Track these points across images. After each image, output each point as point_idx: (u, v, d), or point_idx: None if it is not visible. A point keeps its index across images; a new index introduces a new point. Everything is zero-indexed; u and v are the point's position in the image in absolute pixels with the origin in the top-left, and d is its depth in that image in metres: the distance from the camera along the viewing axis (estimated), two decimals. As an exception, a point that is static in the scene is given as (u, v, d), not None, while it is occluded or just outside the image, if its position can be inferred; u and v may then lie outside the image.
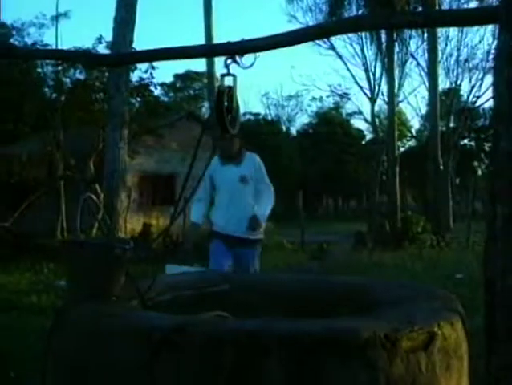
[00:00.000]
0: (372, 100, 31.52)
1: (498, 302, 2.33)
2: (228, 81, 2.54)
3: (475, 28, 27.05)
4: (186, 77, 46.18)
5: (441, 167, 22.20)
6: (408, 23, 2.33)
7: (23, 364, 4.85)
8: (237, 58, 2.38)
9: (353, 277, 3.12)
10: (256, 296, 2.59)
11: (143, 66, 17.31)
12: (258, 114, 49.32)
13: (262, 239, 5.32)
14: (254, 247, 5.20)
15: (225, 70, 2.49)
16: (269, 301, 2.56)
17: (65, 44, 21.26)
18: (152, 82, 18.20)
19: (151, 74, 17.82)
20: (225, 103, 2.53)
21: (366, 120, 39.43)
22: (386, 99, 26.94)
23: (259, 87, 62.52)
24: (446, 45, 30.08)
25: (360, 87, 32.04)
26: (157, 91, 21.44)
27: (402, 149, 42.65)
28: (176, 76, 46.34)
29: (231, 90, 2.53)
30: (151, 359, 1.71)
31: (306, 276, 3.20)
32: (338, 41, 29.21)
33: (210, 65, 17.94)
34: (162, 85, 21.78)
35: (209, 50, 3.02)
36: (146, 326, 1.82)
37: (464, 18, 2.22)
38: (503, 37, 2.26)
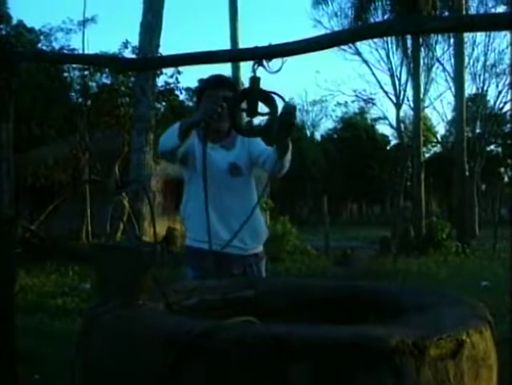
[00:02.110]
0: (398, 105, 31.49)
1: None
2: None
3: (502, 33, 26.85)
4: (211, 82, 46.25)
5: (467, 173, 22.03)
6: (439, 28, 2.31)
7: (48, 366, 4.90)
8: (265, 63, 2.38)
9: (379, 284, 3.10)
10: (282, 301, 2.58)
11: (168, 70, 17.44)
12: (283, 119, 49.21)
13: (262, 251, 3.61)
14: (257, 262, 3.54)
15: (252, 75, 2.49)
16: (295, 307, 2.55)
17: (91, 49, 21.42)
18: (177, 86, 18.32)
19: (176, 78, 17.95)
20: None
21: (391, 126, 39.40)
22: (411, 105, 26.90)
23: (284, 91, 62.38)
24: (473, 50, 29.98)
25: (385, 92, 32.11)
26: (182, 96, 21.56)
27: (427, 155, 42.39)
28: (201, 81, 46.43)
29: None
30: (177, 364, 1.71)
31: (331, 282, 3.19)
32: (363, 46, 29.28)
33: (235, 70, 17.97)
34: (187, 89, 21.77)
35: (236, 55, 3.03)
36: (172, 331, 1.82)
37: (493, 23, 2.20)
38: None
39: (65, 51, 18.13)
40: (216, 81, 3.50)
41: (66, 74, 19.33)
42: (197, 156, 3.38)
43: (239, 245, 3.37)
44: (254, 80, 2.48)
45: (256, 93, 2.51)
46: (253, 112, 2.55)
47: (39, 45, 20.80)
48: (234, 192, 3.43)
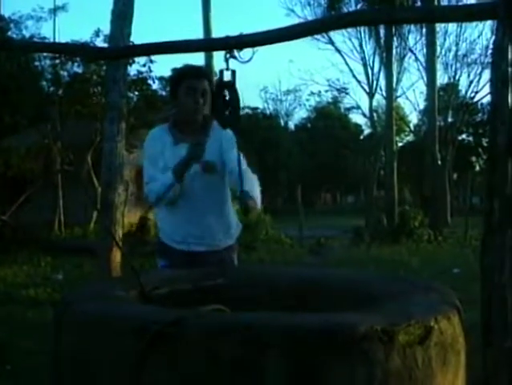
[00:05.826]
0: (370, 95, 31.60)
1: (495, 296, 2.35)
2: (227, 75, 2.54)
3: (474, 23, 27.07)
4: (184, 71, 46.07)
5: (439, 162, 22.22)
6: (410, 19, 2.33)
7: (19, 357, 4.87)
8: (236, 53, 2.38)
9: (351, 271, 3.13)
10: (254, 290, 2.59)
11: (141, 59, 17.28)
12: (257, 108, 49.25)
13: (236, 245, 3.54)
14: (230, 254, 3.47)
15: (224, 65, 2.49)
16: (267, 295, 2.56)
17: (63, 37, 21.28)
18: (150, 75, 18.16)
19: (149, 67, 17.80)
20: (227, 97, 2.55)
21: (364, 115, 39.46)
22: (384, 94, 26.98)
23: (257, 81, 62.39)
24: (445, 40, 30.09)
25: (359, 82, 32.19)
26: (155, 85, 21.37)
27: (400, 144, 42.70)
28: (174, 70, 46.12)
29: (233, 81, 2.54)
30: (146, 352, 1.71)
31: (304, 270, 3.21)
32: (336, 35, 29.30)
33: (208, 58, 17.89)
34: (160, 79, 21.59)
35: (207, 45, 3.03)
36: (142, 319, 1.82)
37: (464, 14, 2.22)
38: (501, 33, 2.27)
39: (35, 40, 17.89)
40: (196, 72, 3.18)
41: (37, 64, 19.09)
42: (166, 157, 3.26)
43: (212, 242, 3.30)
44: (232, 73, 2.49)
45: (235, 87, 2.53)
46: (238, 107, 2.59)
47: (9, 33, 20.49)
48: (208, 189, 3.30)
